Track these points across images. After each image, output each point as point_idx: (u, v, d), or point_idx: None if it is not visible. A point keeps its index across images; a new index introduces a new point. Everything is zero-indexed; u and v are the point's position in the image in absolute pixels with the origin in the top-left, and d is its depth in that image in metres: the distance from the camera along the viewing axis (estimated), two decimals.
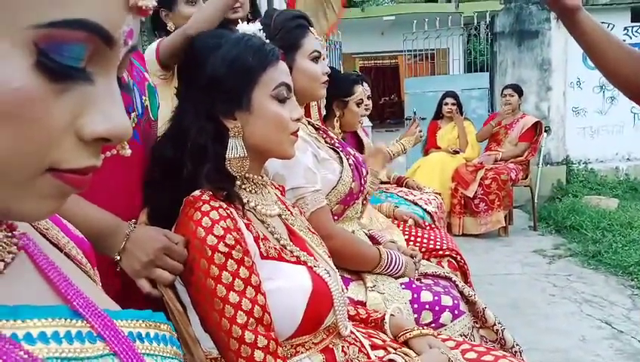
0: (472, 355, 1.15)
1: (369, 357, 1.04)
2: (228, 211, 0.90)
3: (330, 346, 1.01)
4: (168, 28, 1.86)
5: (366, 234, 1.72)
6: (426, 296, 1.52)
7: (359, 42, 8.39)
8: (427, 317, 1.49)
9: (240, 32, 1.03)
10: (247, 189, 1.02)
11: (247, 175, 1.01)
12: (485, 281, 3.45)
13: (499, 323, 1.67)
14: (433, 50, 6.62)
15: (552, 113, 5.97)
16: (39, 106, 0.34)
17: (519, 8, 6.12)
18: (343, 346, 1.02)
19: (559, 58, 5.82)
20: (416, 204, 3.11)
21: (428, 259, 2.17)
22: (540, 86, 5.97)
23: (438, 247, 2.21)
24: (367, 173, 1.71)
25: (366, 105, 3.42)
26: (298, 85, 1.56)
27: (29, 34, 0.34)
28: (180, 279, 0.93)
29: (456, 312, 1.51)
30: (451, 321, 1.50)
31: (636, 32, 6.07)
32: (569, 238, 4.39)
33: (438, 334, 1.27)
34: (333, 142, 1.68)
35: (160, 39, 1.60)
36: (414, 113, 4.29)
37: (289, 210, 1.13)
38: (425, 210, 3.10)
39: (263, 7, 3.81)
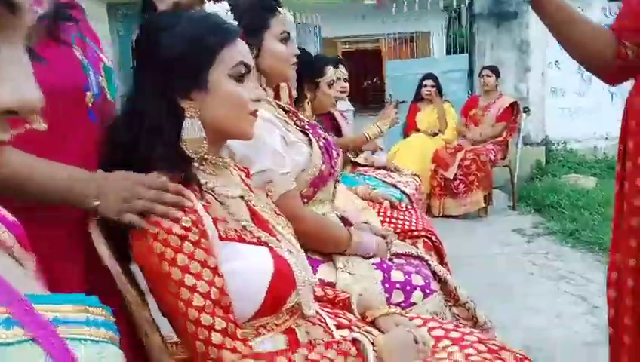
0: (439, 332, 1.16)
1: (333, 337, 1.03)
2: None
3: (293, 327, 1.00)
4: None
5: (338, 217, 1.71)
6: (397, 276, 1.53)
7: (341, 26, 8.32)
8: (398, 296, 1.49)
9: (198, 11, 1.01)
10: (206, 171, 1.00)
11: (205, 156, 0.99)
12: (464, 262, 3.47)
13: (471, 301, 1.69)
14: (414, 33, 6.61)
15: (531, 94, 5.98)
16: None
17: None
18: (306, 327, 1.02)
19: (538, 39, 5.82)
20: (394, 186, 3.12)
21: (403, 240, 2.18)
22: (519, 67, 5.97)
23: (413, 228, 2.22)
24: (339, 155, 1.70)
25: (342, 87, 3.41)
26: (266, 66, 1.55)
27: None
28: (136, 264, 0.91)
29: (427, 291, 1.52)
30: (422, 300, 1.51)
31: (614, 12, 6.10)
32: (548, 217, 4.43)
33: (406, 313, 1.27)
34: (303, 124, 1.66)
35: None
36: (390, 96, 4.28)
37: (253, 192, 1.12)
38: (403, 191, 3.11)
39: None
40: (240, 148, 1.42)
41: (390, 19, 6.43)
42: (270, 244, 0.99)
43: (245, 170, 1.21)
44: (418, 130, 5.11)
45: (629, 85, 1.22)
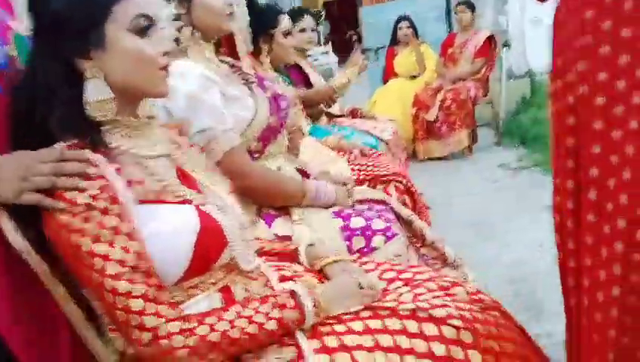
0: (391, 274, 1.13)
1: (274, 291, 1.01)
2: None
3: (229, 284, 0.97)
4: None
5: (296, 169, 1.67)
6: (357, 222, 1.49)
7: None
8: (359, 242, 1.47)
9: None
10: (121, 133, 0.95)
11: (117, 118, 0.94)
12: (447, 202, 3.47)
13: (438, 240, 1.67)
14: None
15: (510, 26, 5.86)
16: None
17: None
18: (245, 283, 0.99)
19: None
20: (369, 133, 3.07)
21: (374, 186, 2.15)
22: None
23: (383, 173, 2.18)
24: (288, 106, 1.64)
25: (309, 37, 3.31)
26: (199, 21, 1.48)
27: None
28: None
29: (388, 234, 1.49)
30: (384, 244, 1.48)
31: None
32: (532, 149, 4.39)
33: (358, 258, 1.24)
34: (247, 77, 1.60)
35: None
36: (352, 38, 4.15)
37: (181, 149, 1.07)
38: (379, 138, 3.06)
39: None
40: (178, 109, 1.37)
41: None
42: (195, 202, 0.95)
43: (178, 129, 1.16)
44: (397, 75, 5.01)
45: None
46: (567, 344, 1.23)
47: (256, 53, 2.15)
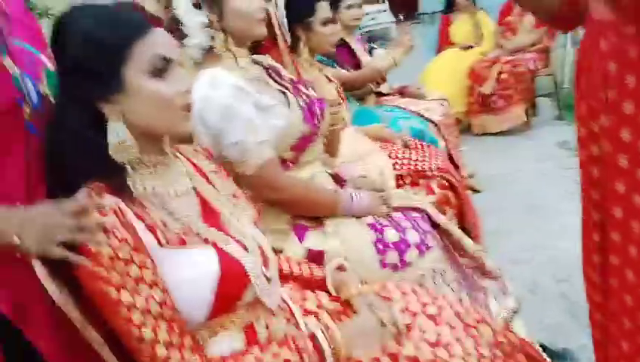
0: (415, 307, 1.11)
1: (298, 328, 1.01)
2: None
3: (253, 320, 0.98)
4: None
5: (330, 175, 1.65)
6: (391, 235, 1.47)
7: None
8: (392, 257, 1.44)
9: (107, 2, 0.93)
10: (145, 173, 0.95)
11: (142, 156, 0.94)
12: (500, 181, 3.35)
13: (480, 250, 1.62)
14: None
15: None
16: None
17: None
18: (267, 319, 0.99)
19: None
20: (419, 115, 2.98)
21: (416, 182, 2.10)
22: None
23: (426, 168, 2.12)
24: (324, 111, 1.61)
25: (357, 14, 3.19)
26: (232, 27, 1.46)
27: None
28: None
29: (422, 248, 1.46)
30: (418, 258, 1.45)
31: None
32: None
33: (400, 276, 1.22)
34: (282, 82, 1.57)
35: None
36: (401, 19, 3.98)
37: (206, 177, 1.07)
38: (428, 119, 2.97)
39: None
40: (213, 123, 1.37)
41: None
42: (217, 243, 0.95)
43: (206, 152, 1.16)
44: (452, 45, 4.80)
45: None
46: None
47: (293, 44, 2.09)
